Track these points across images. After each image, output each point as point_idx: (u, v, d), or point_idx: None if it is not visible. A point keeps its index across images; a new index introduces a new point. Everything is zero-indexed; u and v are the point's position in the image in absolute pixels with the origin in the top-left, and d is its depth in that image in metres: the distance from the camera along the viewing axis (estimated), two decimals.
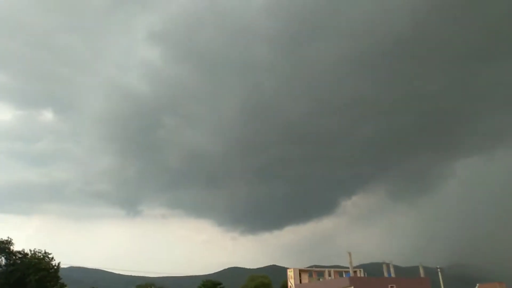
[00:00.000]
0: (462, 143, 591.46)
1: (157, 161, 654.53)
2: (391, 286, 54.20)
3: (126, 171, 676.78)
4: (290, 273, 69.36)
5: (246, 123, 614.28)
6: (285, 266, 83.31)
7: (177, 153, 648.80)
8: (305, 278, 69.53)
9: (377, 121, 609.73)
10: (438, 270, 65.44)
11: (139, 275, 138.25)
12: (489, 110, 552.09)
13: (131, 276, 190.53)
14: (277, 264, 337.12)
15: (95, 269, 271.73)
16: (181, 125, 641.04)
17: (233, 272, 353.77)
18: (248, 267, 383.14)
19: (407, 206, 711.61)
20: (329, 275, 69.53)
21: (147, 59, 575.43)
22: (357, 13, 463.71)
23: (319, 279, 69.45)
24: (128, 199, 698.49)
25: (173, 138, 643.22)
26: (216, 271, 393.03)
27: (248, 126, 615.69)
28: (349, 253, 57.73)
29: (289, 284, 69.60)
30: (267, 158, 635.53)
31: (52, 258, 73.59)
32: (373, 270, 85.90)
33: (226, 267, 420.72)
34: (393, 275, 60.55)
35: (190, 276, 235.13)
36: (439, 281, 64.76)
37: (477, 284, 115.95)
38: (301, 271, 70.03)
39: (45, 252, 73.30)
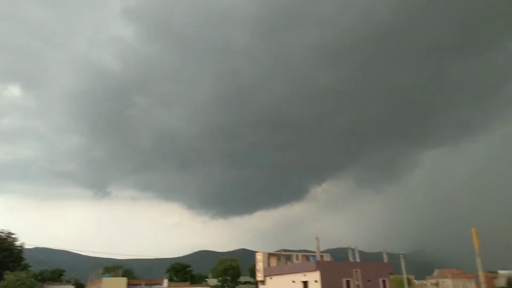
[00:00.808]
0: (430, 134, 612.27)
1: (127, 141, 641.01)
2: (355, 270, 56.08)
3: (94, 151, 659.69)
4: (259, 257, 70.49)
5: (222, 107, 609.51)
6: (255, 250, 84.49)
7: (148, 134, 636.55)
8: (274, 262, 70.89)
9: (349, 111, 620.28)
10: (401, 256, 68.12)
11: (107, 257, 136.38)
12: (457, 103, 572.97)
13: (98, 258, 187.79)
14: (246, 248, 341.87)
15: (61, 250, 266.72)
16: (154, 106, 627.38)
17: (203, 256, 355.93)
18: (218, 250, 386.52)
19: (374, 194, 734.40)
20: (297, 259, 71.15)
21: (121, 36, 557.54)
22: (336, 2, 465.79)
23: (286, 263, 70.95)
24: (96, 180, 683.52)
25: (145, 119, 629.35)
26: (185, 254, 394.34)
27: (223, 110, 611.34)
28: (317, 238, 59.22)
29: (257, 267, 70.80)
30: (241, 143, 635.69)
31: (16, 238, 71.76)
32: (339, 254, 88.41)
33: (195, 250, 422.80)
34: (358, 260, 62.65)
35: (159, 258, 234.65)
36: (401, 267, 67.51)
37: (436, 270, 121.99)
38: (269, 255, 71.29)
39: (9, 232, 71.33)
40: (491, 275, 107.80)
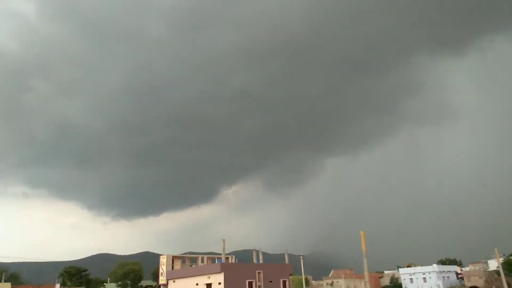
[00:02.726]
0: (334, 143, 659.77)
1: (19, 130, 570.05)
2: (258, 271, 57.75)
3: None
4: (163, 260, 68.84)
5: (131, 100, 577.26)
6: (160, 253, 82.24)
7: (45, 124, 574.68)
8: (178, 265, 69.78)
9: (261, 115, 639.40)
10: (301, 257, 71.89)
11: None
12: (358, 116, 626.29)
13: None
14: (150, 251, 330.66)
15: None
16: (53, 92, 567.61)
17: (103, 259, 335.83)
18: (119, 253, 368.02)
19: (279, 198, 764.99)
20: (202, 262, 70.95)
21: (19, 11, 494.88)
22: (255, 5, 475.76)
23: (192, 266, 70.32)
24: None
25: (42, 106, 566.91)
26: (83, 257, 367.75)
27: (132, 103, 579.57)
28: (223, 240, 59.80)
29: (160, 270, 69.02)
30: (149, 140, 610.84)
31: None
32: (245, 256, 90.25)
33: (94, 253, 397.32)
34: (261, 261, 64.65)
35: (52, 262, 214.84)
36: (301, 268, 71.25)
37: (332, 270, 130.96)
38: (174, 258, 70.05)
39: None
40: (378, 274, 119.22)
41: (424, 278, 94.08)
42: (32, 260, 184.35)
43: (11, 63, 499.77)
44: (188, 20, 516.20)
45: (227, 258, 66.56)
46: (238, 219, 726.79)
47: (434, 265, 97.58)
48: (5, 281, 74.71)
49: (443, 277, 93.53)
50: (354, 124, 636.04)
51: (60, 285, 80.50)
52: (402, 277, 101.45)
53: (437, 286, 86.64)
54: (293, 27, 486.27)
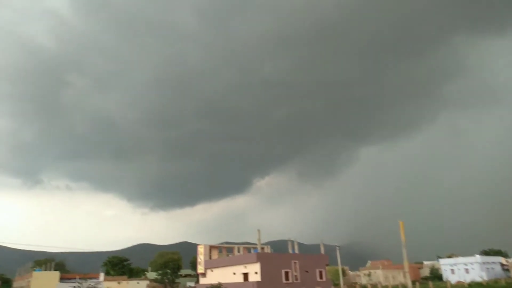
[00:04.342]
0: (369, 131, 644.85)
1: (59, 125, 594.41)
2: (294, 262, 57.83)
3: (22, 135, 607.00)
4: (201, 249, 70.34)
5: (163, 93, 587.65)
6: (197, 243, 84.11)
7: (83, 118, 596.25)
8: (215, 254, 71.13)
9: (293, 104, 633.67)
10: (337, 248, 71.44)
11: (38, 249, 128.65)
12: (397, 102, 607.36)
13: (28, 251, 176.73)
14: (188, 241, 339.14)
15: None
16: (89, 87, 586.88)
17: (143, 249, 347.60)
18: (158, 243, 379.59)
19: (313, 187, 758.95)
20: (238, 251, 71.96)
21: (55, 8, 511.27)
22: None
23: (228, 255, 71.48)
24: (24, 167, 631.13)
25: (80, 101, 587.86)
26: (124, 247, 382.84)
27: (165, 96, 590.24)
28: (258, 231, 60.32)
29: (198, 260, 70.64)
30: (182, 132, 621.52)
31: None
32: (280, 246, 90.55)
33: (135, 244, 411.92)
34: (296, 251, 64.70)
35: (95, 252, 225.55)
36: (337, 258, 70.84)
37: (369, 261, 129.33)
38: (211, 247, 71.39)
39: None
40: (417, 265, 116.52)
41: (467, 269, 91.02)
42: (76, 250, 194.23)
43: (50, 59, 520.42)
44: (217, 10, 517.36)
45: (262, 248, 67.15)
46: (272, 209, 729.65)
47: (477, 255, 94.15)
48: (53, 270, 78.91)
49: (487, 268, 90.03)
50: (390, 111, 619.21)
51: (104, 274, 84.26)
52: (442, 267, 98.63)
53: (480, 277, 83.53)
54: (324, 10, 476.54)
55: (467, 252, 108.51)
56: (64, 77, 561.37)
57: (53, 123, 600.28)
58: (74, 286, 52.26)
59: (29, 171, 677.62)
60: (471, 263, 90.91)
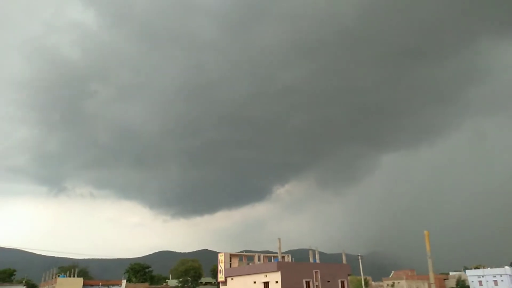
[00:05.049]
0: (390, 137, 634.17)
1: (83, 134, 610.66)
2: (315, 271, 57.09)
3: (47, 144, 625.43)
4: (221, 257, 70.24)
5: (185, 102, 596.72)
6: (217, 250, 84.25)
7: (106, 128, 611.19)
8: (235, 262, 70.89)
9: (311, 111, 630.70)
10: (359, 257, 70.16)
11: (62, 256, 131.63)
12: (418, 107, 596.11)
13: (52, 257, 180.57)
14: (208, 249, 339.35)
15: (13, 249, 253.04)
16: (113, 98, 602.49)
17: (164, 256, 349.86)
18: (179, 251, 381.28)
19: (333, 195, 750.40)
20: (259, 260, 71.51)
21: (80, 20, 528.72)
22: (301, 0, 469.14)
23: (248, 264, 71.14)
24: (49, 175, 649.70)
25: (103, 111, 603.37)
26: (145, 254, 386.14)
27: (186, 105, 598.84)
28: (279, 239, 59.88)
29: (219, 268, 70.52)
30: (202, 140, 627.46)
31: None
32: (300, 255, 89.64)
33: (156, 251, 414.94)
34: (318, 260, 63.82)
35: (117, 259, 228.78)
36: (359, 267, 69.52)
37: (392, 271, 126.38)
38: (231, 256, 71.21)
39: None
40: (443, 276, 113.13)
41: (495, 281, 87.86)
42: (99, 257, 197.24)
43: (74, 70, 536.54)
44: (237, 19, 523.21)
45: (283, 257, 66.58)
46: (293, 217, 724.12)
47: (507, 267, 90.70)
48: (76, 276, 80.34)
49: None
50: (411, 117, 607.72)
51: (126, 281, 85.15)
52: (469, 279, 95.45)
53: None
54: (342, 17, 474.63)
55: (494, 263, 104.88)
56: (88, 88, 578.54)
57: (77, 132, 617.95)
58: None
59: (54, 179, 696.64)
60: (500, 275, 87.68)
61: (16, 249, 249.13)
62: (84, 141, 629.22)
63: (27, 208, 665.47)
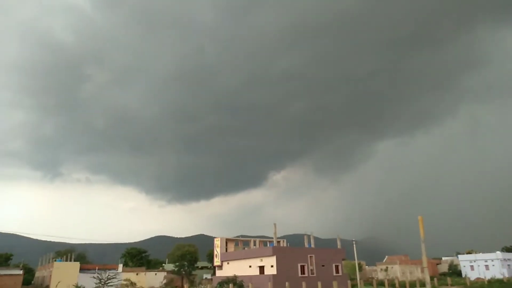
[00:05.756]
0: (386, 125, 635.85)
1: (79, 119, 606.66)
2: (310, 256, 57.77)
3: (43, 129, 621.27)
4: (217, 242, 70.84)
5: (182, 88, 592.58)
6: (213, 235, 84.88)
7: (102, 112, 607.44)
8: (231, 247, 71.54)
9: (308, 98, 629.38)
10: (353, 242, 70.91)
11: (59, 240, 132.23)
12: (414, 95, 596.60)
13: (49, 241, 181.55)
14: (205, 234, 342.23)
15: (9, 234, 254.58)
16: (109, 82, 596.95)
17: (160, 241, 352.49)
18: (175, 235, 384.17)
19: (329, 182, 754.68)
20: (254, 245, 72.20)
21: (74, 3, 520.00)
22: None
23: (244, 248, 71.82)
24: (45, 160, 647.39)
25: (99, 95, 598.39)
26: (142, 239, 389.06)
27: (183, 91, 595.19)
28: (274, 224, 60.28)
29: (215, 252, 71.19)
30: (199, 126, 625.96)
31: None
32: (296, 240, 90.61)
33: (152, 236, 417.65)
34: (313, 245, 64.55)
35: (114, 243, 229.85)
36: (354, 252, 70.34)
37: (386, 256, 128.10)
38: (227, 240, 71.81)
39: None
40: (436, 261, 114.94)
41: (487, 266, 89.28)
42: (96, 242, 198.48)
43: (70, 54, 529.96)
44: (235, 4, 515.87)
45: (278, 242, 67.21)
46: (289, 203, 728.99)
47: (498, 252, 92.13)
48: (73, 260, 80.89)
49: (508, 265, 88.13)
50: (408, 104, 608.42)
51: (123, 265, 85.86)
52: (461, 264, 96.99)
53: (501, 274, 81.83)
54: (342, 3, 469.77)
55: (486, 248, 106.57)
56: (84, 72, 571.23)
57: (72, 117, 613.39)
58: (93, 277, 53.42)
59: (50, 164, 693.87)
60: (492, 260, 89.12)
61: (12, 234, 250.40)
62: (80, 126, 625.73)
63: (24, 193, 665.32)
